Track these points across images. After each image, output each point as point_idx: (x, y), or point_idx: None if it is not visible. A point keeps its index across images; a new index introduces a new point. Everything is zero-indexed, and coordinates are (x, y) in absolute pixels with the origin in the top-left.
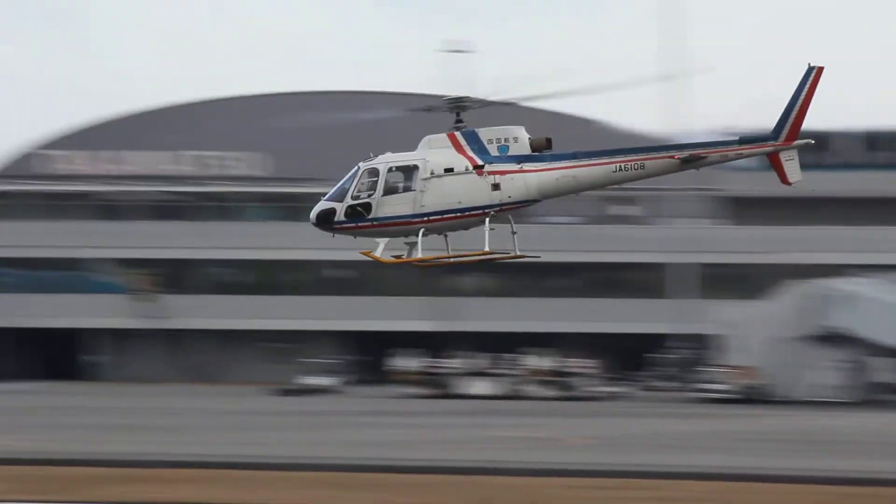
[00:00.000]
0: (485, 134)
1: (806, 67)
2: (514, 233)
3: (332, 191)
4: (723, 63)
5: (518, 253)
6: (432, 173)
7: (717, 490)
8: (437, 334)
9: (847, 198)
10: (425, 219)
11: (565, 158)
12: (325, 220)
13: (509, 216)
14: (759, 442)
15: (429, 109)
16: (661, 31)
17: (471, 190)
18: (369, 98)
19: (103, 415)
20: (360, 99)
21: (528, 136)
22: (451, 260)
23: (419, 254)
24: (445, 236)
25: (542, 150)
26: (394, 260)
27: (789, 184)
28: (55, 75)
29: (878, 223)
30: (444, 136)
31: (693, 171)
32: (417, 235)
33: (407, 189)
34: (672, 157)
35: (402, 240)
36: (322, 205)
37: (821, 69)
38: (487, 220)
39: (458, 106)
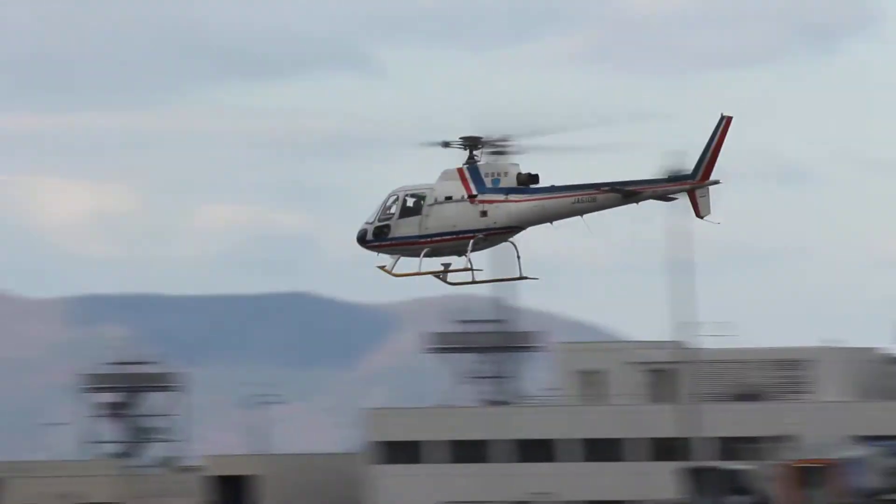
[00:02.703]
0: (483, 168)
1: (718, 117)
2: (518, 257)
3: (371, 214)
4: None
5: (522, 275)
6: (436, 200)
7: None
8: None
9: None
10: (427, 239)
11: (543, 191)
12: (363, 240)
13: (513, 243)
14: None
15: (445, 145)
16: None
17: (463, 215)
18: None
19: None
20: None
21: (517, 171)
22: (445, 275)
23: (421, 269)
24: (469, 258)
25: (527, 184)
26: (401, 274)
27: (701, 217)
28: None
29: None
30: (454, 169)
31: None
32: (420, 255)
33: (416, 213)
34: (606, 191)
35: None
36: (362, 226)
37: (730, 118)
38: (471, 241)
39: (472, 144)
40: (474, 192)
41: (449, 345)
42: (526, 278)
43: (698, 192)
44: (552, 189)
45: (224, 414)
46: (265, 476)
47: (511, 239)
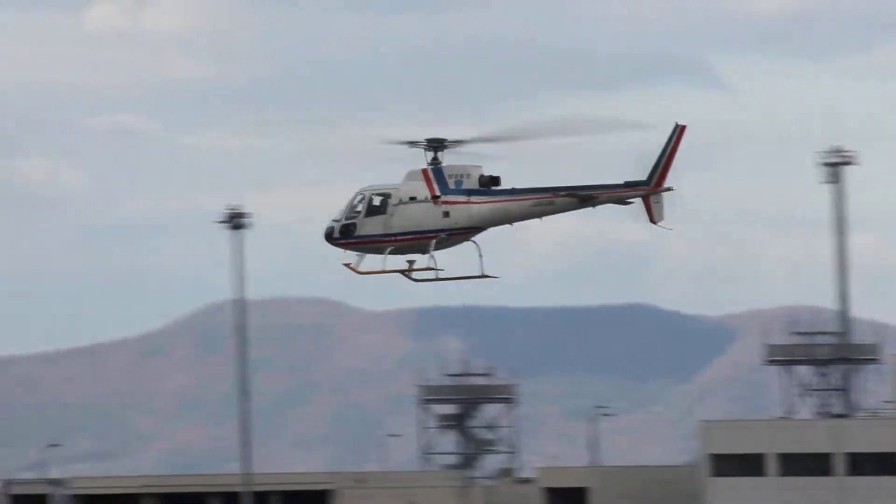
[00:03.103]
0: (446, 170)
1: (673, 125)
2: (480, 256)
3: (338, 211)
4: None
5: (484, 273)
6: (400, 201)
7: None
8: None
9: None
10: (392, 238)
11: (503, 194)
12: (330, 237)
13: (475, 242)
14: None
15: (411, 145)
16: None
17: (426, 215)
18: None
19: None
20: None
21: (479, 173)
22: (409, 273)
23: (386, 267)
24: (432, 256)
25: (488, 186)
26: (367, 272)
27: (655, 223)
28: None
29: None
30: (419, 170)
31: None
32: (384, 253)
33: (382, 213)
34: (563, 195)
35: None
36: (329, 224)
37: (684, 127)
38: (434, 241)
39: (436, 145)
40: (437, 193)
41: (787, 357)
42: (487, 277)
43: (652, 199)
44: (513, 192)
45: (558, 425)
46: (598, 488)
47: (474, 238)
